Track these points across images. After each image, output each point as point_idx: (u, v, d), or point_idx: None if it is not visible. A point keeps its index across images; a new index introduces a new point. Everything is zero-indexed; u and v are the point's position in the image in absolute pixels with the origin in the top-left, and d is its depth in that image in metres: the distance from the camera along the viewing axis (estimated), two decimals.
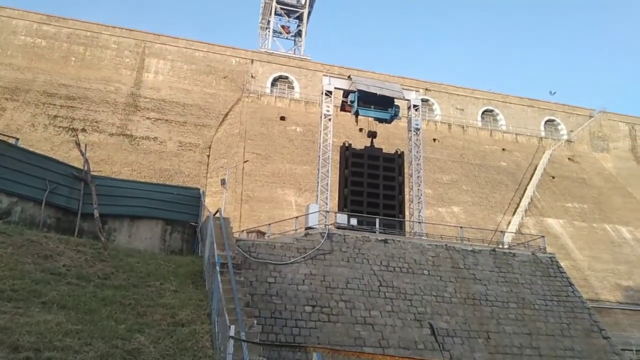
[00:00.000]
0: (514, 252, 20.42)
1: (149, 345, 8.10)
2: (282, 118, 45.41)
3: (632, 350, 29.88)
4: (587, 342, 17.76)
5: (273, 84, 49.12)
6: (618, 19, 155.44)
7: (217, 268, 10.12)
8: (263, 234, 22.79)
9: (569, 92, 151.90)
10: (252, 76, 48.00)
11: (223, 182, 28.51)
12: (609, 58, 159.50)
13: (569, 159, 52.20)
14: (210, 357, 8.23)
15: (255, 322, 10.66)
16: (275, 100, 46.99)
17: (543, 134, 54.58)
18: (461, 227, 22.44)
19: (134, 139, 40.68)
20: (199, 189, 18.37)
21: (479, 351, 16.03)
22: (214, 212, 14.55)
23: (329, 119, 24.31)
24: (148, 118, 42.68)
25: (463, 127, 51.33)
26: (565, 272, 20.61)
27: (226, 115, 44.65)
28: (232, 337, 7.09)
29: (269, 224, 22.91)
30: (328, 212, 20.11)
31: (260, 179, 39.11)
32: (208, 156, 41.30)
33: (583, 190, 48.46)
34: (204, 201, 17.34)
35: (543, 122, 55.71)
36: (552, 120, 56.30)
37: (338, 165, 24.27)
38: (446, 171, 46.30)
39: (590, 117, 56.70)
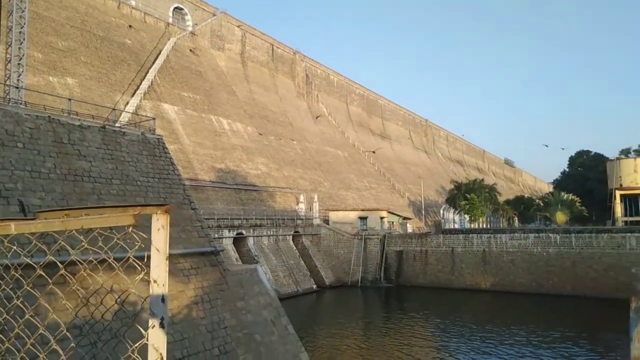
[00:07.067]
0: (124, 131, 20.64)
1: None
2: None
3: (214, 219, 36.86)
4: (179, 213, 20.57)
5: None
6: None
7: None
8: None
9: None
10: None
11: None
12: None
13: (190, 50, 55.33)
14: None
15: None
16: None
17: (171, 20, 55.15)
18: (70, 100, 20.65)
19: None
20: None
21: None
22: None
23: None
24: None
25: None
26: (169, 153, 22.59)
27: None
28: None
29: None
30: None
31: None
32: None
33: (198, 82, 53.08)
34: None
35: (172, 9, 56.05)
36: (181, 9, 57.42)
37: None
38: (63, 36, 40.54)
39: (214, 15, 61.08)
